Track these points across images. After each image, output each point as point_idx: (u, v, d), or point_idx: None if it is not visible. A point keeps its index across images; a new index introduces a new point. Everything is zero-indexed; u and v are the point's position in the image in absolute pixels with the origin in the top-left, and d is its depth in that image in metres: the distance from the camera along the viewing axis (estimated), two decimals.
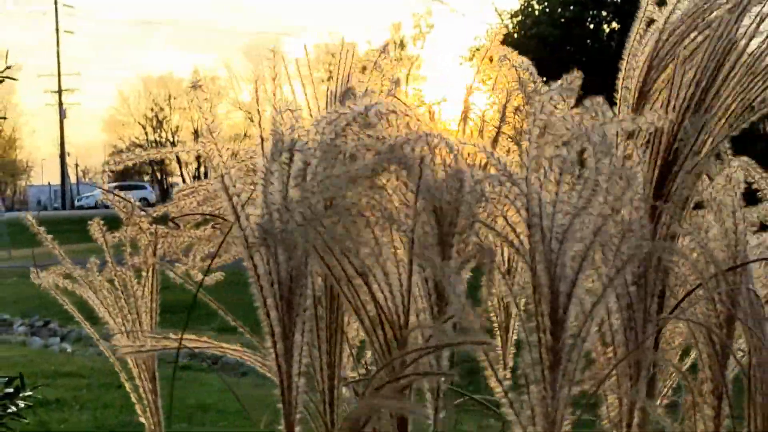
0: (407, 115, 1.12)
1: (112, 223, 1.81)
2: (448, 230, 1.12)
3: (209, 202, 1.68)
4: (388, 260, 1.16)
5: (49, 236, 1.86)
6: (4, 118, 7.72)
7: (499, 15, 28.66)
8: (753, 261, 1.32)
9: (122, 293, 1.85)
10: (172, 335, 1.60)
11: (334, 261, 1.17)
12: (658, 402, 1.54)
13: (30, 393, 4.72)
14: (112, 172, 1.64)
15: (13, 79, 6.45)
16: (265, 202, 1.18)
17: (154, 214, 1.71)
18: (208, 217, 1.66)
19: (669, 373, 1.52)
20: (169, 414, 1.89)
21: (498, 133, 1.65)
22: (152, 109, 63.25)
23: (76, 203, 51.39)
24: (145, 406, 1.89)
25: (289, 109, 1.32)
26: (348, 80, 1.65)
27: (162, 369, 1.88)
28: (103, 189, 1.64)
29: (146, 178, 67.54)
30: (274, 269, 1.26)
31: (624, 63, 1.50)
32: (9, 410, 4.65)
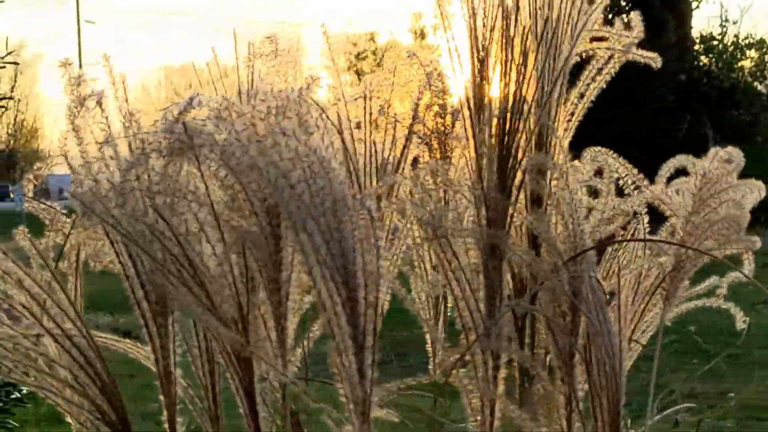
0: (227, 109, 1.13)
1: None
2: (275, 221, 1.14)
3: None
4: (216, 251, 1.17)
5: None
6: (11, 98, 7.73)
7: None
8: (589, 249, 1.34)
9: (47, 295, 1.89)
10: None
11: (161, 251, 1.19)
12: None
13: None
14: None
15: (15, 63, 6.46)
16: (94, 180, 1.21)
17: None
18: None
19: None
20: None
21: (410, 133, 1.67)
22: (173, 99, 63.38)
23: None
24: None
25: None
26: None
27: None
28: (27, 197, 1.64)
29: None
30: (127, 259, 1.29)
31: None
32: (13, 396, 4.72)
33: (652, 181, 1.66)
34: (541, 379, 1.38)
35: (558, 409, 1.37)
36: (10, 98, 6.52)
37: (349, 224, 1.03)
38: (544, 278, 1.34)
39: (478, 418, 1.43)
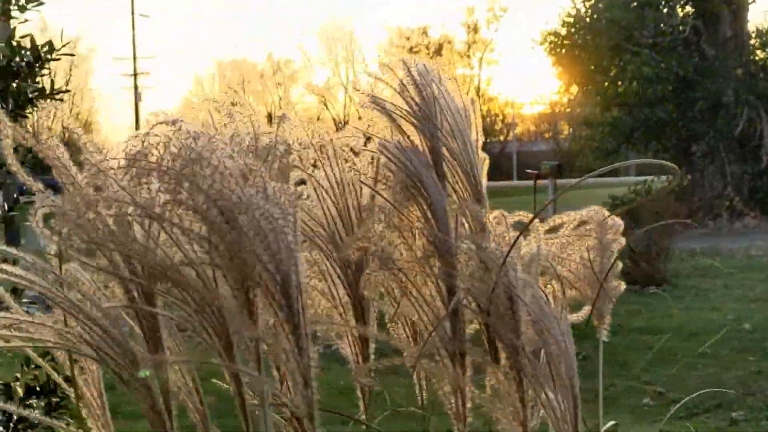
0: None
1: None
2: None
3: None
4: None
5: None
6: (67, 91, 7.72)
7: None
8: (509, 252, 1.55)
9: None
10: None
11: None
12: None
13: None
14: None
15: (71, 54, 6.56)
16: None
17: None
18: None
19: None
20: None
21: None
22: (226, 93, 63.75)
23: None
24: None
25: None
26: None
27: None
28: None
29: None
30: None
31: None
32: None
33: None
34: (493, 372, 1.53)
35: (510, 395, 1.51)
36: (67, 91, 6.54)
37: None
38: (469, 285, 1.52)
39: (452, 401, 1.57)
